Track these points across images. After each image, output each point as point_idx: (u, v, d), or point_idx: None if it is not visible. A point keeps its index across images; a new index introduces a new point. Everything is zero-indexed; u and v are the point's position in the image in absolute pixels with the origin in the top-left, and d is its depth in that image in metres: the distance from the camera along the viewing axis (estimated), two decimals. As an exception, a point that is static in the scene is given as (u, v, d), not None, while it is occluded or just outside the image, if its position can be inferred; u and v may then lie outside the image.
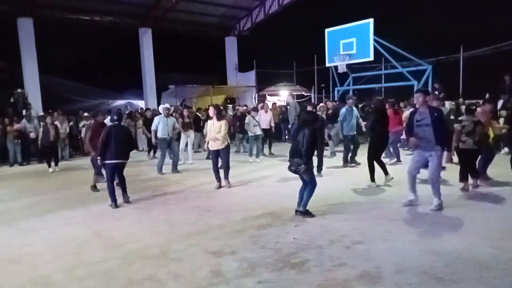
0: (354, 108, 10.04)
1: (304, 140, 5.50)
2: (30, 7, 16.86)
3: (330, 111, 12.19)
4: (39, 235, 5.39)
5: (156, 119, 9.61)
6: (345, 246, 4.53)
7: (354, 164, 9.67)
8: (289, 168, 5.72)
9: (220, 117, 7.81)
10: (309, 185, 5.68)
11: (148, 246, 4.78)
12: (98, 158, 6.82)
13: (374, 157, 7.57)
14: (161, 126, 9.39)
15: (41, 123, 11.67)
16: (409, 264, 3.98)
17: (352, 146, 9.71)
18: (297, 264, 4.09)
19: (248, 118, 11.34)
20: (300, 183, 5.85)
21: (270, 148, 12.51)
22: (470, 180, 6.98)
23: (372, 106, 8.65)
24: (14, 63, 17.36)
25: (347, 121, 9.53)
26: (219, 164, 7.92)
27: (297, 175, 5.75)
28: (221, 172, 7.88)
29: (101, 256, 4.54)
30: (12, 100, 15.76)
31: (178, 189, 7.93)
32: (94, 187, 7.98)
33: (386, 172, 7.53)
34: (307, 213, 5.64)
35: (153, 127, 9.50)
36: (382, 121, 7.70)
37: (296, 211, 5.72)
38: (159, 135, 9.43)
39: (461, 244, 4.43)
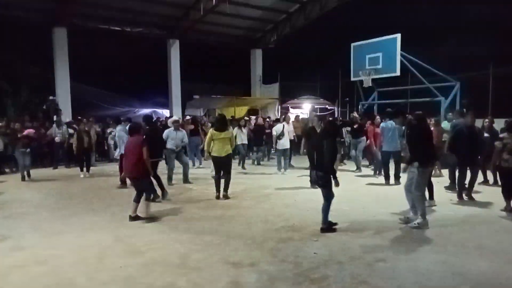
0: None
1: (324, 152, 5.47)
2: (65, 17, 17.55)
3: (356, 126, 11.74)
4: (64, 238, 5.52)
5: (165, 132, 9.47)
6: (366, 263, 4.45)
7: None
8: (315, 182, 5.68)
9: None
10: (324, 200, 5.61)
11: (168, 254, 4.83)
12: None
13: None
14: (169, 139, 9.30)
15: (69, 130, 11.96)
16: (432, 285, 3.88)
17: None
18: (317, 280, 4.05)
19: (280, 127, 11.25)
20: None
21: (290, 160, 12.47)
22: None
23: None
24: (47, 69, 18.05)
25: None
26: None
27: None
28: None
29: (123, 262, 4.61)
30: (44, 107, 16.34)
31: (200, 199, 7.98)
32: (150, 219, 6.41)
33: (431, 196, 7.23)
34: (329, 229, 5.57)
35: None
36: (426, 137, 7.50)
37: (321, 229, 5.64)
38: (168, 146, 9.33)
39: (488, 267, 4.29)
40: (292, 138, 12.14)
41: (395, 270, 4.24)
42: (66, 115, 16.43)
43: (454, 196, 7.79)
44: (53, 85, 17.60)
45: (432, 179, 9.63)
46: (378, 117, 11.20)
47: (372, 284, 3.92)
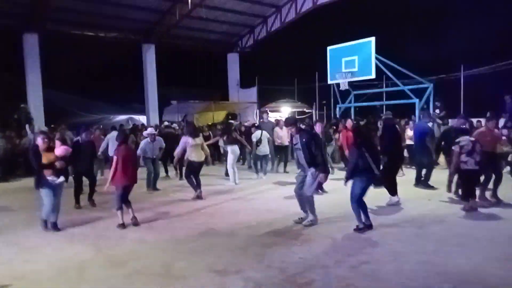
0: None
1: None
2: (37, 22, 17.08)
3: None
4: (41, 252, 5.34)
5: (142, 144, 9.67)
6: (351, 266, 4.49)
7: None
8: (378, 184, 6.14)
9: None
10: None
11: (151, 264, 4.74)
12: None
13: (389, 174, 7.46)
14: (147, 150, 9.53)
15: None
16: (416, 285, 3.95)
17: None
18: (303, 285, 4.05)
19: (258, 133, 11.06)
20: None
21: (285, 166, 11.87)
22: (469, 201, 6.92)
23: (383, 123, 8.55)
24: (18, 76, 17.52)
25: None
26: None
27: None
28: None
29: (105, 274, 4.49)
30: (16, 116, 15.77)
31: (181, 207, 7.84)
32: None
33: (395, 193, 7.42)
34: (364, 228, 5.81)
35: (138, 152, 9.44)
36: (395, 138, 7.73)
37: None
38: (144, 155, 9.60)
39: (468, 265, 4.40)
40: (286, 144, 11.42)
41: (379, 272, 4.29)
42: (40, 124, 15.95)
43: (431, 195, 7.97)
44: (25, 93, 17.12)
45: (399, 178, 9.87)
46: (343, 120, 11.29)
47: (358, 287, 3.96)
